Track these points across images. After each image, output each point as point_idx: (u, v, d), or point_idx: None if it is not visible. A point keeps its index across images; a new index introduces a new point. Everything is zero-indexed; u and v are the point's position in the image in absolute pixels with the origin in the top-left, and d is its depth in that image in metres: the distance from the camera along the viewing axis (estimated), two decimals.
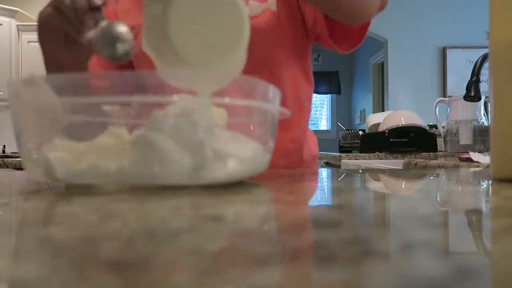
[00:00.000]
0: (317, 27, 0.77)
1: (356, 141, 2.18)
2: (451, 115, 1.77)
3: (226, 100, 0.35)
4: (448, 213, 0.22)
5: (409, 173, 0.54)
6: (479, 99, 1.30)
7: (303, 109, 0.81)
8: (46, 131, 0.37)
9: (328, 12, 0.70)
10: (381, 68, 5.24)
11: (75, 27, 0.59)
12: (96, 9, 0.59)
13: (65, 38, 0.61)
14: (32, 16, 3.62)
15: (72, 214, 0.22)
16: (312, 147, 0.86)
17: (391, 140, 1.84)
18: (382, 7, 0.71)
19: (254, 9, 0.74)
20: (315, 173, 0.54)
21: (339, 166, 1.83)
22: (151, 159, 0.32)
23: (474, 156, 1.11)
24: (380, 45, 4.88)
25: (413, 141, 1.83)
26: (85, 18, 0.58)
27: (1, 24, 3.34)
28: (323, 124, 6.49)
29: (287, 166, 0.76)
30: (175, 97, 0.34)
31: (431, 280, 0.12)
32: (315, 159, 0.87)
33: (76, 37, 0.60)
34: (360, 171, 0.60)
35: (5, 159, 2.10)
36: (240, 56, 0.38)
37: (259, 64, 0.74)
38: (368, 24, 0.75)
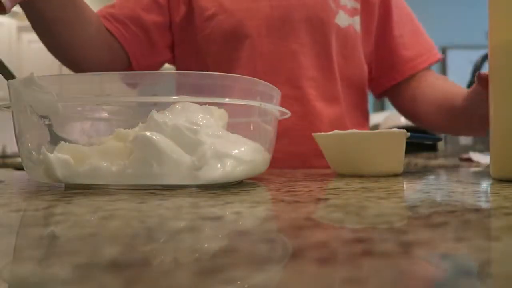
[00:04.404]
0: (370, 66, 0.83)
1: None
2: None
3: (226, 100, 0.35)
4: (448, 213, 0.22)
5: (409, 173, 0.54)
6: None
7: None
8: (46, 131, 0.37)
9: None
10: None
11: None
12: None
13: None
14: None
15: (72, 214, 0.22)
16: None
17: None
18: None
19: (343, 21, 0.74)
20: (315, 173, 0.54)
21: None
22: (151, 159, 0.32)
23: (474, 156, 1.11)
24: None
25: (413, 141, 1.83)
26: None
27: (1, 24, 3.34)
28: None
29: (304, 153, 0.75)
30: (174, 97, 0.34)
31: (431, 280, 0.12)
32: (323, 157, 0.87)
33: None
34: None
35: (5, 159, 2.10)
36: None
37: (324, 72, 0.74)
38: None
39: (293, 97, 0.71)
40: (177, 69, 0.80)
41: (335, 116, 0.74)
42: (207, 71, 0.73)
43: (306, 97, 0.72)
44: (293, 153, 0.72)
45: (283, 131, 0.67)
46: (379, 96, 0.87)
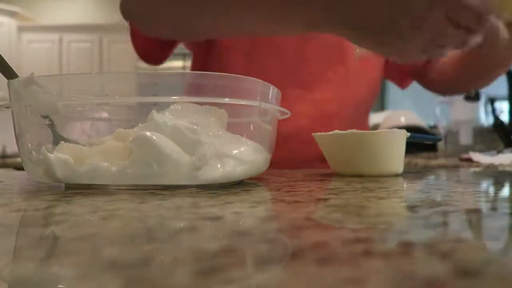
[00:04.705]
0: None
1: None
2: (452, 115, 1.78)
3: (226, 100, 0.35)
4: (448, 213, 0.22)
5: (409, 173, 0.54)
6: (479, 99, 1.31)
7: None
8: (46, 131, 0.37)
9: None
10: None
11: None
12: None
13: None
14: (33, 16, 3.62)
15: (72, 214, 0.22)
16: None
17: None
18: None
19: None
20: (315, 173, 0.54)
21: None
22: (151, 159, 0.32)
23: (474, 156, 1.11)
24: None
25: (413, 141, 1.83)
26: None
27: (1, 24, 3.34)
28: None
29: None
30: (174, 97, 0.34)
31: (431, 280, 0.12)
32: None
33: None
34: None
35: (5, 159, 2.10)
36: None
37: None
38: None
39: (307, 99, 0.71)
40: (195, 57, 0.78)
41: (347, 119, 0.75)
42: (220, 63, 0.72)
43: (319, 100, 0.73)
44: (302, 155, 0.73)
45: (295, 133, 0.67)
46: (405, 85, 0.91)
